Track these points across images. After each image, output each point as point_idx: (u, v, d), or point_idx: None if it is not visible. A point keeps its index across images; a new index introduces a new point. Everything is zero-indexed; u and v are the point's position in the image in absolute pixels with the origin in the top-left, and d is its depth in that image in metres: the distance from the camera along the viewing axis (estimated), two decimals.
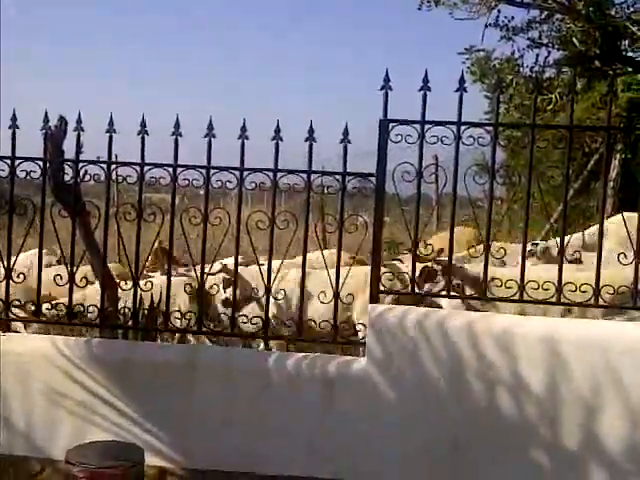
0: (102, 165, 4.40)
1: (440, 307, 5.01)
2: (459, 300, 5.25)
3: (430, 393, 3.99)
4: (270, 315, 4.48)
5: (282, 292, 4.68)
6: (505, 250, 4.37)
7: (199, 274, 4.41)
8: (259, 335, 4.65)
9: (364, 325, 4.31)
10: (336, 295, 4.32)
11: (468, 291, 5.28)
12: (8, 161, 4.40)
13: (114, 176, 4.40)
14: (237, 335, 4.82)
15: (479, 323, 3.99)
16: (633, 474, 3.79)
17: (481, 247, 5.28)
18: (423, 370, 3.98)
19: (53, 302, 4.76)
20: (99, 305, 4.48)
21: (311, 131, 4.26)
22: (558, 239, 4.36)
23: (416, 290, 4.38)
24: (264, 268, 4.36)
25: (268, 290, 4.37)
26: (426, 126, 4.15)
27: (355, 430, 4.04)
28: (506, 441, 3.92)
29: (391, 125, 4.17)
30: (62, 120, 4.54)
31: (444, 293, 4.65)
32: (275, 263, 4.49)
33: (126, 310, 4.50)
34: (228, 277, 5.73)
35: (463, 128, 4.14)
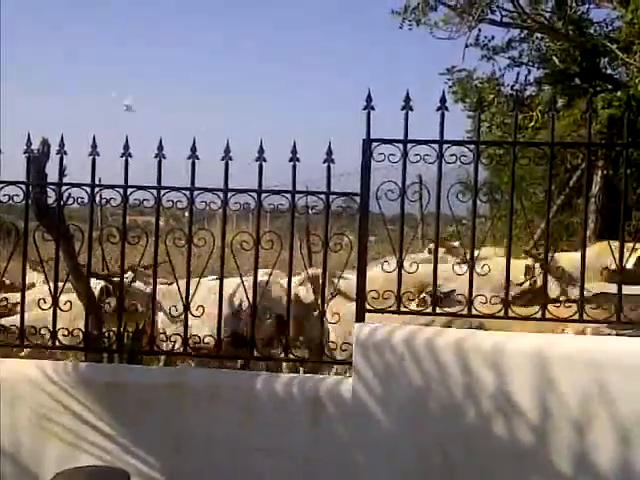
0: (85, 188, 4.38)
1: None
2: None
3: (419, 412, 3.96)
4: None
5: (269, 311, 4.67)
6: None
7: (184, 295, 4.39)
8: (246, 356, 4.63)
9: (349, 344, 4.29)
10: (322, 314, 4.32)
11: None
12: None
13: (98, 199, 4.39)
14: (223, 357, 4.79)
15: (468, 340, 3.96)
16: None
17: None
18: (412, 389, 3.95)
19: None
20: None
21: (294, 152, 4.27)
22: None
23: (402, 309, 4.33)
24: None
25: (254, 307, 4.37)
26: (409, 145, 4.17)
27: (342, 451, 4.01)
28: (497, 460, 3.87)
29: (374, 144, 4.19)
30: (45, 143, 4.52)
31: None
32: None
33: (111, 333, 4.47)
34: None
35: (445, 146, 4.16)
